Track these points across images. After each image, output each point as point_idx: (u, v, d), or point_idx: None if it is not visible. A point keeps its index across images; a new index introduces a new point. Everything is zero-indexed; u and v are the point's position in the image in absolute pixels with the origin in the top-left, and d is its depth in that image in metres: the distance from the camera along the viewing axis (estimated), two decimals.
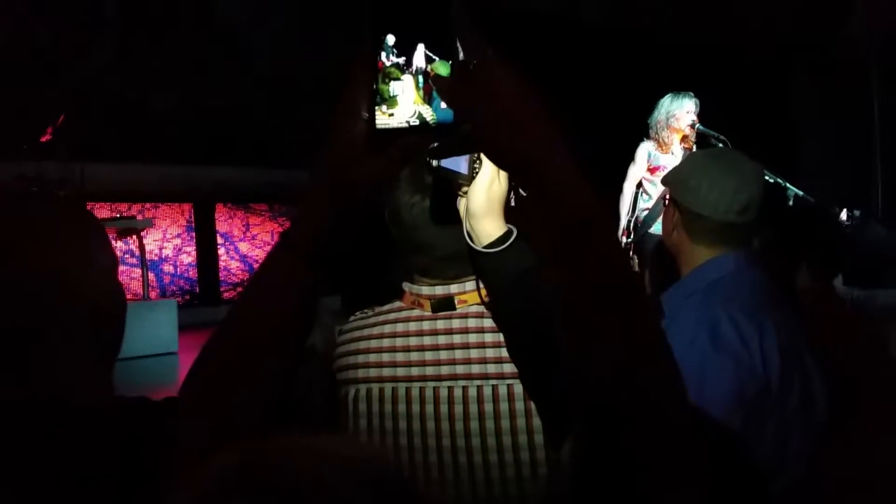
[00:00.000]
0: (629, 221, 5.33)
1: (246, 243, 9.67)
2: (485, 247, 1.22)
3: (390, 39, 0.75)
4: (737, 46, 6.53)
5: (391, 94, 0.74)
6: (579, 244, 0.74)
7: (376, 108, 0.74)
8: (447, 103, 0.74)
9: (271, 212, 9.66)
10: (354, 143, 0.75)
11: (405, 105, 0.75)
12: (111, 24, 5.88)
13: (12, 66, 5.46)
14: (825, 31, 5.58)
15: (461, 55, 0.73)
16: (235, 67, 6.33)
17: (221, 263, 9.36)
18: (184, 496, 0.56)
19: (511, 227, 1.23)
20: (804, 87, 7.13)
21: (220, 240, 9.19)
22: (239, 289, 8.00)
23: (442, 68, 0.74)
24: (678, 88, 5.15)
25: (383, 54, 0.75)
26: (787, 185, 4.87)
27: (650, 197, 5.27)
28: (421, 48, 0.74)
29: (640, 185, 5.34)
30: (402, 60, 0.75)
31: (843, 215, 4.86)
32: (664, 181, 2.10)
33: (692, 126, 5.06)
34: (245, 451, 0.58)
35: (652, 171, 5.25)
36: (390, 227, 1.42)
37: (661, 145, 5.19)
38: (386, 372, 1.38)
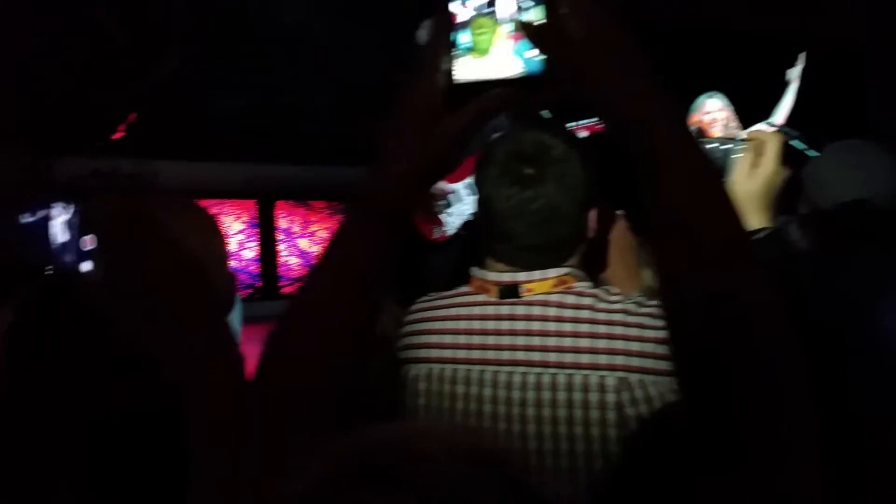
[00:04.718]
0: None
1: (305, 239, 9.81)
2: None
3: None
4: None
5: (481, 44, 0.70)
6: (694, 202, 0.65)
7: (461, 58, 0.70)
8: (540, 50, 0.67)
9: (330, 209, 9.78)
10: (433, 98, 0.71)
11: (497, 55, 0.70)
12: (181, 27, 6.03)
13: (89, 66, 5.65)
14: None
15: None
16: (297, 68, 6.42)
17: (281, 259, 9.53)
18: (286, 490, 0.50)
19: (767, 226, 1.24)
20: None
21: (280, 236, 9.33)
22: (297, 283, 8.05)
23: (536, 14, 0.67)
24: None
25: (458, 3, 0.70)
26: None
27: None
28: None
29: None
30: (477, 8, 0.70)
31: None
32: None
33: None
34: (353, 439, 0.51)
35: None
36: (479, 211, 1.42)
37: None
38: (447, 353, 1.39)
